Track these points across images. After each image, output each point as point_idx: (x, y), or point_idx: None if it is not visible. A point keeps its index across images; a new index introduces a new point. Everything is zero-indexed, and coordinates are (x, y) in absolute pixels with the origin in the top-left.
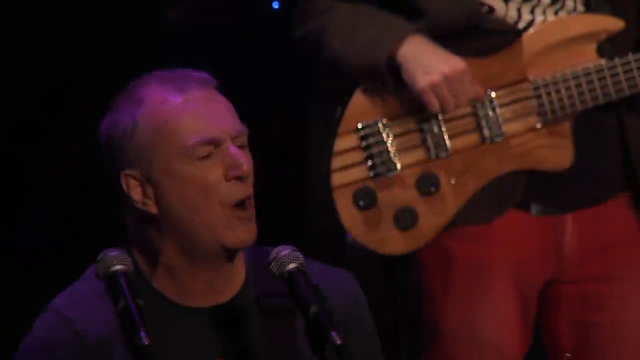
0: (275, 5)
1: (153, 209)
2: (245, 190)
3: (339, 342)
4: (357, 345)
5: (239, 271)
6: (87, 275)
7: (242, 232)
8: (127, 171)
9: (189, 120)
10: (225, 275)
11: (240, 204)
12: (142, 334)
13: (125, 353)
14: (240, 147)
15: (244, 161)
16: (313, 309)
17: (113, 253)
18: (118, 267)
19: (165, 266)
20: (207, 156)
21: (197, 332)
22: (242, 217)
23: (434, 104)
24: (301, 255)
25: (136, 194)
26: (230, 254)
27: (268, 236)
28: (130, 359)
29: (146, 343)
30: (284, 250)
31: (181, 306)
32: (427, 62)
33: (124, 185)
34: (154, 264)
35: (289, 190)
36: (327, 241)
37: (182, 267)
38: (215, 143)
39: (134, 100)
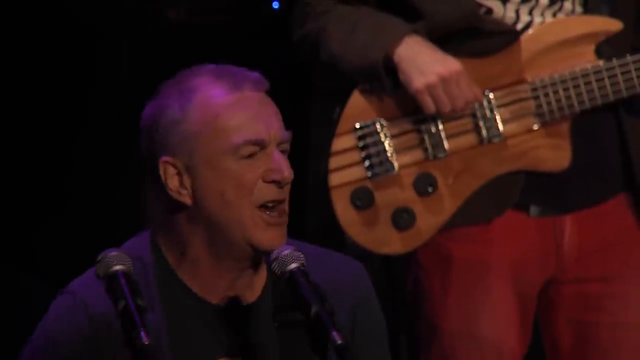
0: (275, 5)
1: (187, 200)
2: (278, 194)
3: (339, 342)
4: (366, 331)
5: (260, 275)
6: None
7: (269, 235)
8: (167, 158)
9: (240, 119)
10: (248, 277)
11: (270, 206)
12: (143, 334)
13: (160, 332)
14: (283, 152)
15: (286, 168)
16: (314, 308)
17: (113, 253)
18: (118, 267)
19: (191, 258)
20: (251, 156)
21: (212, 328)
22: (269, 222)
23: (430, 105)
24: (302, 255)
25: (173, 182)
26: (256, 255)
27: None
28: (131, 359)
29: (146, 343)
30: (285, 250)
31: (201, 299)
32: (423, 63)
33: (161, 172)
34: (180, 254)
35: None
36: (327, 241)
37: (207, 263)
38: (261, 144)
39: (185, 89)
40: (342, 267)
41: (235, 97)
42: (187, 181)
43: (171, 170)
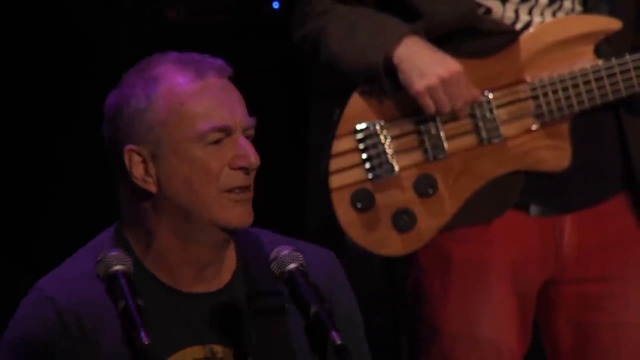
0: (275, 5)
1: (152, 188)
2: (245, 180)
3: (339, 342)
4: (344, 316)
5: (229, 262)
6: (76, 257)
7: (237, 212)
8: (132, 146)
9: (205, 106)
10: (217, 263)
11: (236, 192)
12: (143, 334)
13: (114, 336)
14: (247, 138)
15: (252, 154)
16: (313, 308)
17: (113, 253)
18: (118, 267)
19: (157, 248)
20: (217, 142)
21: (184, 316)
22: (235, 200)
23: (430, 106)
24: (301, 255)
25: (138, 170)
26: (224, 239)
27: None
28: (131, 359)
29: (147, 343)
30: (284, 250)
31: (171, 288)
32: (423, 64)
33: (126, 160)
34: (146, 244)
35: (289, 190)
36: (327, 241)
37: (174, 252)
38: (227, 131)
39: (150, 77)
40: (316, 256)
41: (199, 84)
42: (152, 169)
43: (136, 159)
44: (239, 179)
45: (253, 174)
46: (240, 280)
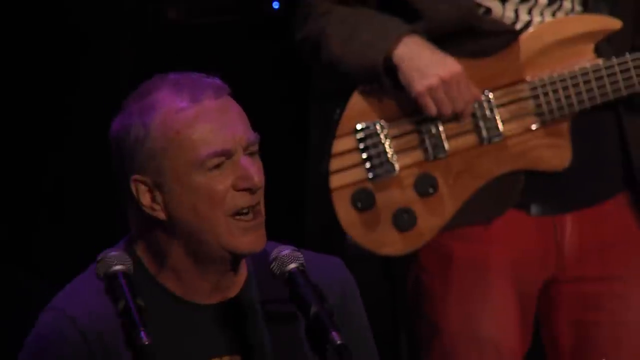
0: (275, 5)
1: (161, 215)
2: (251, 200)
3: (339, 342)
4: (351, 330)
5: (242, 268)
6: (88, 272)
7: (247, 240)
8: (137, 176)
9: (201, 132)
10: (231, 276)
11: (244, 212)
12: (143, 334)
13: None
14: (251, 154)
15: (255, 173)
16: (313, 309)
17: (113, 253)
18: (118, 267)
19: (172, 267)
20: (218, 167)
21: (201, 328)
22: (245, 227)
23: (431, 107)
24: (301, 255)
25: (145, 199)
26: (236, 258)
27: (268, 236)
28: (131, 359)
29: (147, 343)
30: (285, 250)
31: (187, 302)
32: (423, 65)
33: (133, 190)
34: (160, 263)
35: (289, 190)
36: (327, 241)
37: (189, 270)
38: (226, 154)
39: (146, 105)
40: (327, 265)
41: (194, 110)
42: (159, 197)
43: (142, 188)
44: (244, 199)
45: (260, 192)
46: (252, 287)
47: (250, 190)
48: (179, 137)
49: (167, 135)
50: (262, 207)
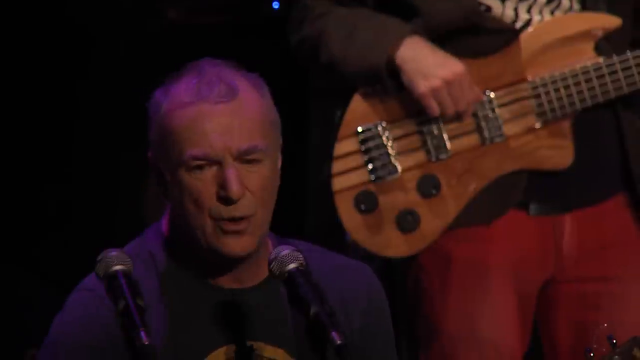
0: (275, 5)
1: (166, 200)
2: (231, 211)
3: (339, 342)
4: (377, 338)
5: (263, 262)
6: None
7: (227, 242)
8: (150, 154)
9: (192, 132)
10: (248, 266)
11: (225, 218)
12: (143, 334)
13: (159, 326)
14: (248, 163)
15: (235, 186)
16: (313, 309)
17: (113, 253)
18: (118, 267)
19: (192, 251)
20: (200, 168)
21: (224, 312)
22: (226, 230)
23: (434, 108)
24: (301, 255)
25: (161, 185)
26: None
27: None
28: (131, 359)
29: (147, 343)
30: (285, 250)
31: (213, 286)
32: (426, 66)
33: (154, 174)
34: (186, 246)
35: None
36: (327, 241)
37: (207, 256)
38: (209, 160)
39: (167, 88)
40: (357, 272)
41: (195, 109)
42: (162, 181)
43: (153, 166)
44: (225, 209)
45: (247, 203)
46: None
47: (228, 201)
48: (171, 134)
49: (167, 126)
50: (252, 217)
